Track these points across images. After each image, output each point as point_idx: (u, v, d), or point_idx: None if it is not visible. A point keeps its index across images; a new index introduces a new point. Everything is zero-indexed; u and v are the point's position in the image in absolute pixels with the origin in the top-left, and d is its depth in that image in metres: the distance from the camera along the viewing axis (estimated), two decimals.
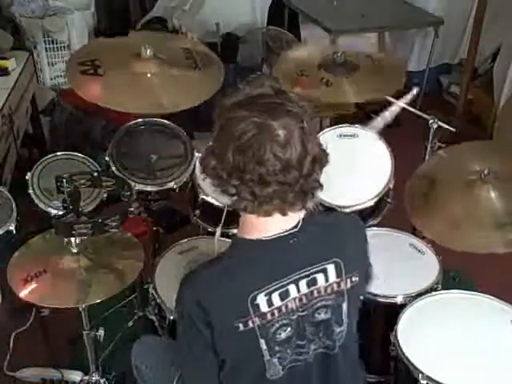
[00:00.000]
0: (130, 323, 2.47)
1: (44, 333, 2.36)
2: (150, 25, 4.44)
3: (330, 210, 2.11)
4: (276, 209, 1.25)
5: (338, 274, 1.33)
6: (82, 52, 2.52)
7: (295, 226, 1.30)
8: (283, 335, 1.31)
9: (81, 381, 2.18)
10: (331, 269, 1.32)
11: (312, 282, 1.31)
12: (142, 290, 2.28)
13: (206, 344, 1.30)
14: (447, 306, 1.80)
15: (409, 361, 1.61)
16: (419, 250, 2.09)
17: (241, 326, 1.27)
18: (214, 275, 1.29)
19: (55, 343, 2.39)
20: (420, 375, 1.57)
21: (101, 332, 1.99)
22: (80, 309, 1.88)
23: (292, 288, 1.30)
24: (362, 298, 1.49)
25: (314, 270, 1.31)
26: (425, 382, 1.57)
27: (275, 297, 1.28)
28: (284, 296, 1.29)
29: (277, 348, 1.31)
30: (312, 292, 1.32)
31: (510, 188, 1.92)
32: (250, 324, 1.27)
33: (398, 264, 2.01)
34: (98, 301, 1.80)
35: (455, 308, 1.79)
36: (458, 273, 2.74)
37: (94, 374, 2.11)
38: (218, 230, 1.80)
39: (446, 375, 1.56)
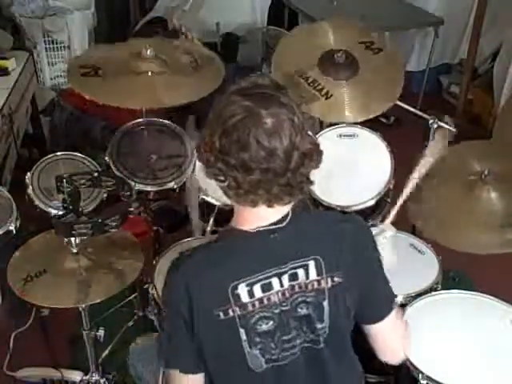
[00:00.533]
0: (130, 323, 2.48)
1: (44, 333, 2.37)
2: (150, 25, 4.44)
3: (329, 210, 2.12)
4: (262, 200, 1.25)
5: (319, 272, 1.32)
6: (81, 59, 2.51)
7: (281, 220, 1.30)
8: (264, 327, 1.31)
9: (81, 381, 2.18)
10: (312, 265, 1.32)
11: (293, 277, 1.31)
12: (142, 289, 2.28)
13: (188, 336, 1.30)
14: (447, 306, 1.79)
15: (409, 361, 1.61)
16: (419, 250, 2.09)
17: (221, 314, 1.28)
18: (203, 261, 1.30)
19: (55, 343, 2.39)
20: (420, 375, 1.57)
21: (101, 332, 2.00)
22: (80, 309, 1.88)
23: (275, 281, 1.30)
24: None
25: (296, 264, 1.31)
26: (425, 382, 1.56)
27: (257, 288, 1.28)
28: (266, 288, 1.29)
29: (257, 339, 1.31)
30: (293, 287, 1.31)
31: (510, 189, 1.92)
32: (231, 313, 1.28)
33: (397, 264, 2.01)
34: (98, 301, 1.80)
35: (455, 308, 1.78)
36: (457, 273, 2.74)
37: (93, 374, 2.12)
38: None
39: (446, 375, 1.56)
